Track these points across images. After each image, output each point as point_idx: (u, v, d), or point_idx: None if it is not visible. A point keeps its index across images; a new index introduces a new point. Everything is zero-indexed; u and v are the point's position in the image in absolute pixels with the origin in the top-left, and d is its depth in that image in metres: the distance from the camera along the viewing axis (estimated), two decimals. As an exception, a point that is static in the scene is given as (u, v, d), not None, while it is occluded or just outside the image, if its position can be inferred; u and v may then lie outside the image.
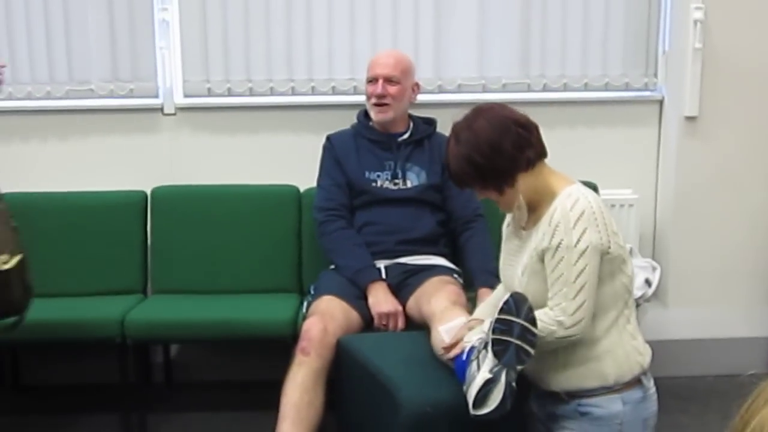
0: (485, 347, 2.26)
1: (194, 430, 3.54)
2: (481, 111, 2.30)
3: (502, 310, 2.20)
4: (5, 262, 2.67)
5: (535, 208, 2.29)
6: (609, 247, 2.20)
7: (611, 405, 2.26)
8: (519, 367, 2.23)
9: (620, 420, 2.26)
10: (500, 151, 2.22)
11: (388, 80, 3.43)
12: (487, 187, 2.29)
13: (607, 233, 2.20)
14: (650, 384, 2.33)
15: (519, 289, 2.28)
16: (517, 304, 2.19)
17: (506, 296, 2.22)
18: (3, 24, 3.81)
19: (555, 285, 2.21)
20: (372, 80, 3.46)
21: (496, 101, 3.73)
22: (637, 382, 2.29)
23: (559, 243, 2.17)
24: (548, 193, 2.26)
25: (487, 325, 2.30)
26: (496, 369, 2.23)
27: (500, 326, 2.20)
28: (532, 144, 2.26)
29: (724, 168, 3.90)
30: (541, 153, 2.29)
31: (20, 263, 2.70)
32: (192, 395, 3.87)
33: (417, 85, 3.57)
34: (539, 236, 2.23)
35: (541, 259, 2.23)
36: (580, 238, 2.16)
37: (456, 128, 2.31)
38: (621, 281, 2.26)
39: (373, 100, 3.45)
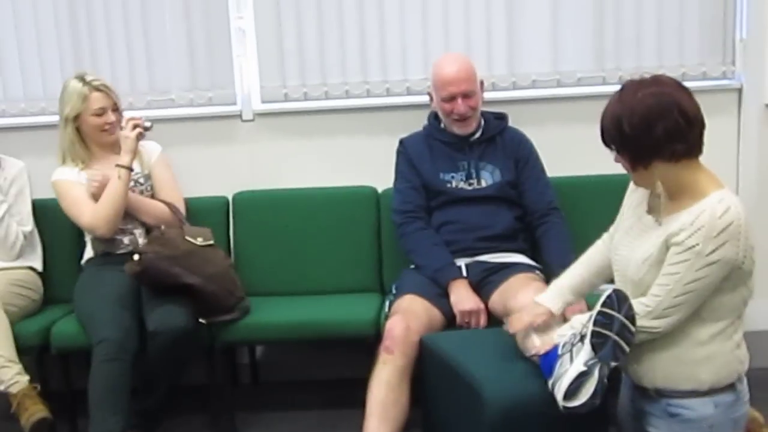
0: (581, 340, 2.26)
1: (281, 429, 3.60)
2: (656, 82, 2.21)
3: (604, 304, 2.21)
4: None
5: (673, 200, 2.24)
6: (742, 263, 2.16)
7: (702, 408, 2.24)
8: (613, 364, 2.23)
9: (711, 423, 2.24)
10: (649, 131, 2.15)
11: (466, 95, 3.41)
12: (623, 156, 2.23)
13: (745, 248, 2.15)
14: (743, 387, 2.29)
15: (634, 275, 2.27)
16: (619, 299, 2.19)
17: (609, 290, 2.22)
18: (86, 38, 3.94)
19: (665, 278, 2.18)
20: (449, 99, 3.42)
21: (572, 95, 3.80)
22: (730, 386, 2.26)
23: (694, 246, 2.13)
24: (695, 191, 2.19)
25: (584, 319, 2.31)
26: (591, 362, 2.23)
27: (602, 319, 2.21)
28: (686, 139, 2.17)
29: (807, 155, 3.83)
30: (693, 151, 2.21)
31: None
32: (278, 394, 3.94)
33: (482, 82, 3.54)
34: (674, 229, 2.17)
35: (667, 250, 2.19)
36: (716, 249, 2.12)
37: (625, 86, 2.23)
38: (741, 294, 2.23)
39: (455, 117, 3.44)
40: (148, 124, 3.49)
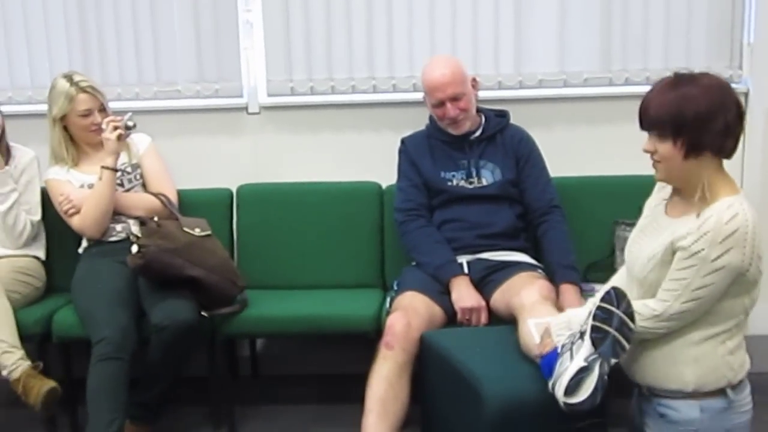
0: (581, 337, 2.27)
1: (280, 422, 3.61)
2: (710, 76, 2.20)
3: (603, 299, 2.22)
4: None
5: (687, 197, 2.23)
6: (747, 270, 2.15)
7: (689, 411, 2.24)
8: (613, 361, 2.23)
9: (696, 428, 2.24)
10: (711, 120, 2.13)
11: (454, 99, 3.41)
12: (675, 142, 2.17)
13: (752, 256, 2.15)
14: (738, 397, 2.27)
15: (639, 272, 2.27)
16: (617, 296, 2.20)
17: (607, 287, 2.24)
18: (94, 28, 3.95)
19: (673, 283, 2.18)
20: (438, 105, 3.43)
21: (579, 95, 3.79)
22: (720, 392, 2.24)
23: (699, 251, 2.12)
24: (710, 191, 2.19)
25: (582, 317, 2.31)
26: (591, 358, 2.23)
27: (601, 314, 2.21)
28: (735, 137, 2.18)
29: (813, 160, 3.82)
30: (731, 151, 2.21)
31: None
32: (278, 388, 3.95)
33: (474, 80, 3.53)
34: (681, 232, 2.17)
35: (674, 253, 2.19)
36: (721, 255, 2.11)
37: (678, 76, 2.20)
38: (742, 302, 2.22)
39: (447, 122, 3.45)
40: (130, 123, 3.50)
